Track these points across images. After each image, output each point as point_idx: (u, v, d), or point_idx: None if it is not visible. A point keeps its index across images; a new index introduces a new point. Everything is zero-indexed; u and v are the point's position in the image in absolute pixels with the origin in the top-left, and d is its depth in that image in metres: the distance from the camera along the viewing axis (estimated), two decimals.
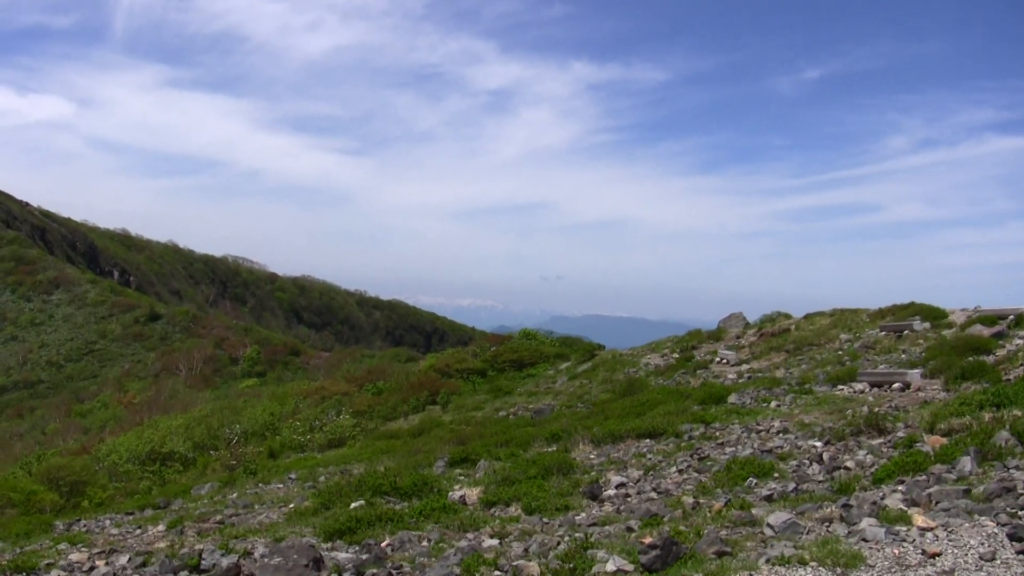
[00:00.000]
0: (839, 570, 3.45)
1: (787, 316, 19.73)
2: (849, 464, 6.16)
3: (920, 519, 3.92)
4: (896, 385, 10.07)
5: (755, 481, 6.19)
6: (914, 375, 10.15)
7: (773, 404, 10.07)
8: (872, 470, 5.79)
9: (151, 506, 10.41)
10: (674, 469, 7.36)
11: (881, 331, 14.55)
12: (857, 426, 7.10)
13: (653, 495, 6.42)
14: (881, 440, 6.75)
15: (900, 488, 4.90)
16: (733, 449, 7.64)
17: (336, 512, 6.78)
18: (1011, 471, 4.71)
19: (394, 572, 4.45)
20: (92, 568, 5.53)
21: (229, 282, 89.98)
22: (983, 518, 3.93)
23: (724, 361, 16.32)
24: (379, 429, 19.55)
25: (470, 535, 5.41)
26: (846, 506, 4.49)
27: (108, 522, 9.13)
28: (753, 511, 5.00)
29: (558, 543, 4.69)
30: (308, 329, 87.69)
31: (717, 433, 8.69)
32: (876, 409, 7.89)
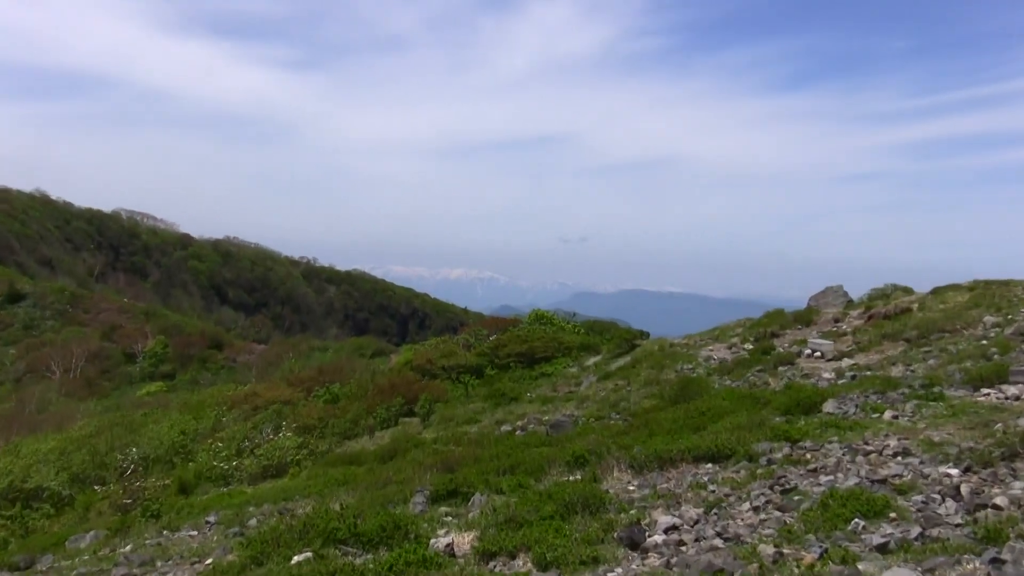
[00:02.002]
0: None
1: (906, 291, 19.64)
2: (999, 501, 6.01)
3: None
4: None
5: (862, 524, 6.06)
6: None
7: (887, 414, 10.02)
8: None
9: (6, 568, 10.30)
10: (747, 506, 7.29)
11: None
12: (1011, 447, 6.96)
13: (717, 542, 6.29)
14: None
15: None
16: (830, 478, 7.57)
17: (272, 570, 6.66)
18: None
19: None
20: None
21: (123, 247, 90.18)
22: None
23: (817, 354, 16.28)
24: (334, 451, 19.70)
25: None
26: (995, 561, 4.36)
27: None
28: (860, 566, 4.88)
29: None
30: (236, 312, 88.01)
31: (808, 455, 8.64)
32: None
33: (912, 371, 13.10)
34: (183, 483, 17.26)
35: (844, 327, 18.17)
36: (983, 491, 6.31)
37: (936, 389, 11.01)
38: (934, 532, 5.56)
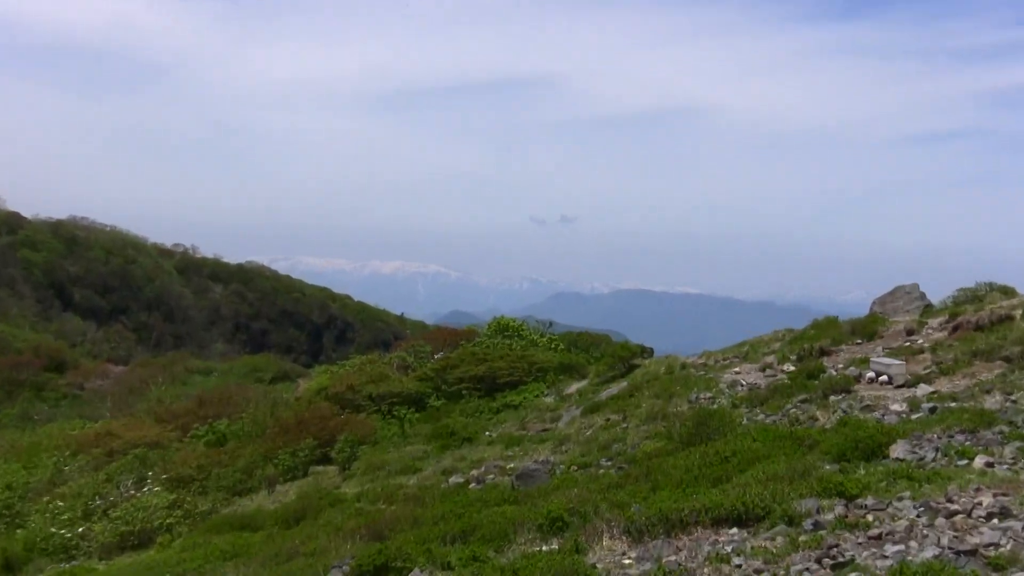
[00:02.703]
0: None
1: (1006, 292, 19.81)
2: None
3: None
4: None
5: None
6: None
7: (979, 461, 10.05)
8: None
9: None
10: None
11: None
12: None
13: None
14: None
15: None
16: (900, 548, 7.57)
17: None
18: None
19: None
20: None
21: None
22: None
23: (882, 378, 16.36)
24: (219, 512, 19.54)
25: None
26: None
27: None
28: None
29: None
30: (84, 320, 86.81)
31: (869, 516, 8.66)
32: None
33: (1014, 402, 13.19)
34: (8, 558, 16.98)
35: (920, 341, 18.30)
36: None
37: None
38: None
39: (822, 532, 8.31)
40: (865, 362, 17.48)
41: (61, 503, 20.52)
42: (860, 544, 7.78)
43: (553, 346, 39.43)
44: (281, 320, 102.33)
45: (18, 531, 19.50)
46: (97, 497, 20.84)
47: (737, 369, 20.99)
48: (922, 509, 8.35)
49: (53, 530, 18.63)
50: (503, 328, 41.47)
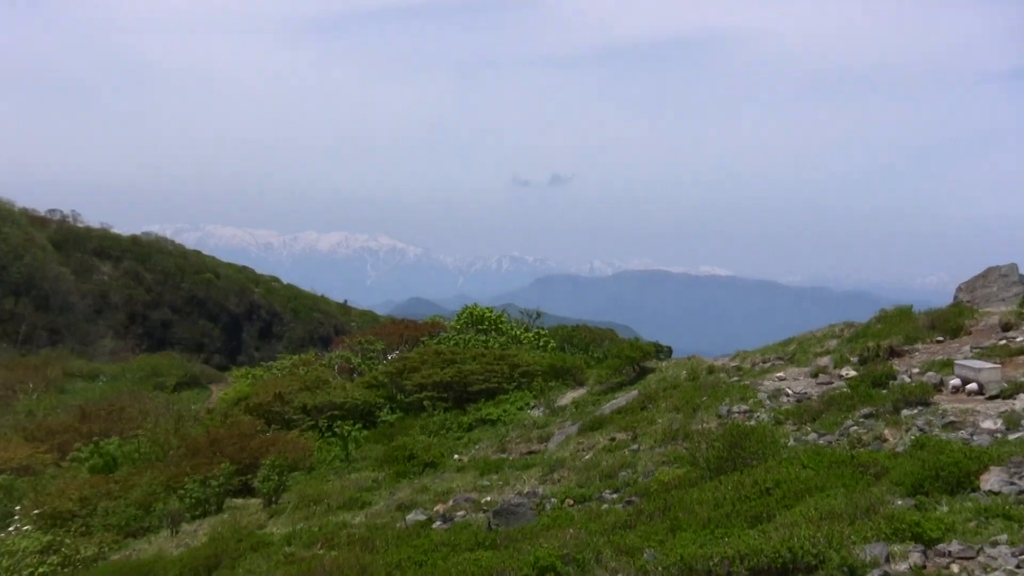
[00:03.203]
0: None
1: None
2: None
3: None
4: None
5: None
6: None
7: None
8: None
9: None
10: None
11: None
12: None
13: None
14: None
15: None
16: None
17: None
18: None
19: None
20: None
21: None
22: None
23: (971, 387, 16.34)
24: (109, 558, 19.46)
25: None
26: None
27: None
28: None
29: None
30: None
31: (954, 567, 8.69)
32: None
33: None
34: None
35: (1020, 339, 18.27)
36: None
37: None
38: None
39: None
40: (948, 366, 17.44)
41: None
42: None
43: (541, 343, 39.57)
44: (188, 309, 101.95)
45: None
46: None
47: (781, 374, 21.01)
48: None
49: None
50: (476, 320, 41.63)
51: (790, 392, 19.38)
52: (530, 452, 21.66)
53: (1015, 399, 15.29)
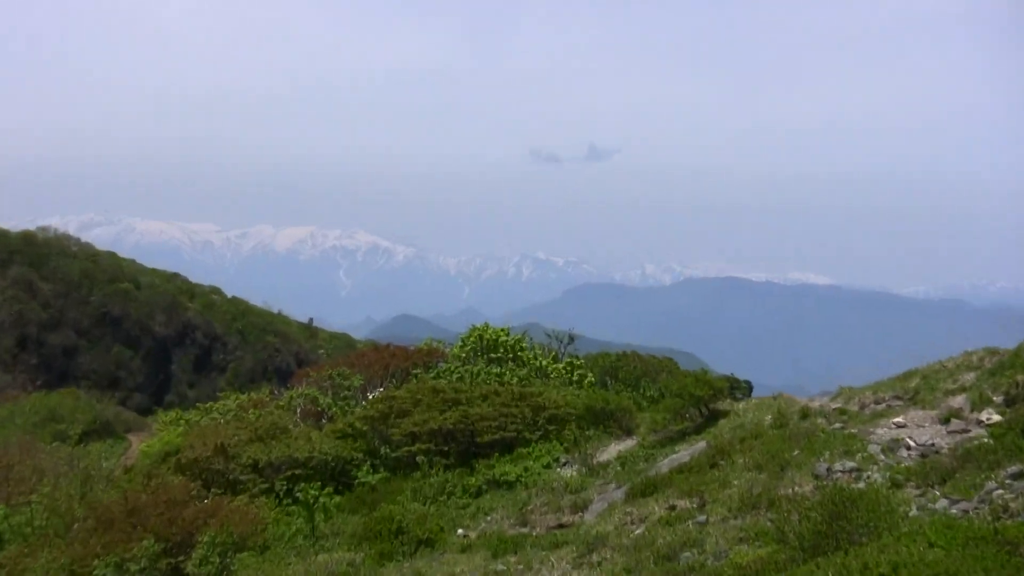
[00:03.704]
0: None
1: None
2: None
3: None
4: None
5: None
6: None
7: None
8: None
9: None
10: None
11: None
12: None
13: None
14: None
15: None
16: None
17: None
18: None
19: None
20: None
21: None
22: None
23: None
24: None
25: None
26: None
27: None
28: None
29: None
30: None
31: None
32: None
33: None
34: None
35: None
36: None
37: None
38: None
39: None
40: None
41: None
42: None
43: (575, 378, 39.46)
44: (99, 331, 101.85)
45: None
46: None
47: (899, 419, 20.92)
48: None
49: None
50: (488, 346, 41.50)
51: (912, 443, 19.31)
52: (560, 525, 21.55)
53: None
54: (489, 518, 24.07)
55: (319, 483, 29.09)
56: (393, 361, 44.34)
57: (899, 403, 22.72)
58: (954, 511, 15.30)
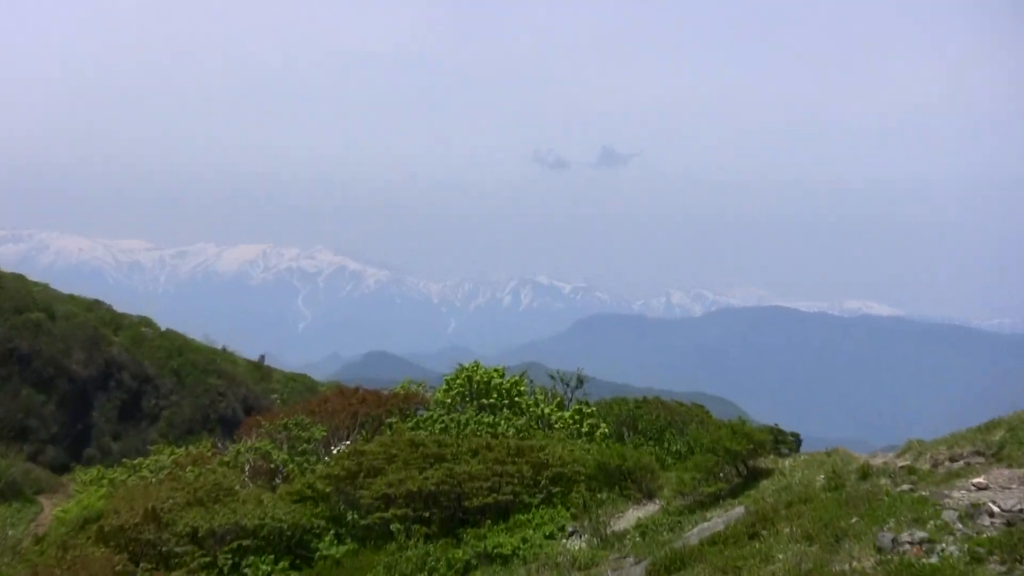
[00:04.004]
0: None
1: None
2: None
3: None
4: None
5: None
6: None
7: None
8: None
9: None
10: None
11: None
12: None
13: None
14: None
15: None
16: None
17: None
18: None
19: None
20: None
21: None
22: None
23: None
24: None
25: None
26: None
27: None
28: None
29: None
30: None
31: None
32: None
33: None
34: None
35: None
36: None
37: None
38: None
39: None
40: None
41: None
42: None
43: (586, 428, 39.37)
44: (3, 371, 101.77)
45: None
46: None
47: (980, 480, 20.83)
48: None
49: None
50: (478, 389, 41.41)
51: (996, 509, 19.24)
52: None
53: None
54: None
55: (272, 556, 28.96)
56: (363, 408, 44.15)
57: (980, 460, 22.63)
58: None
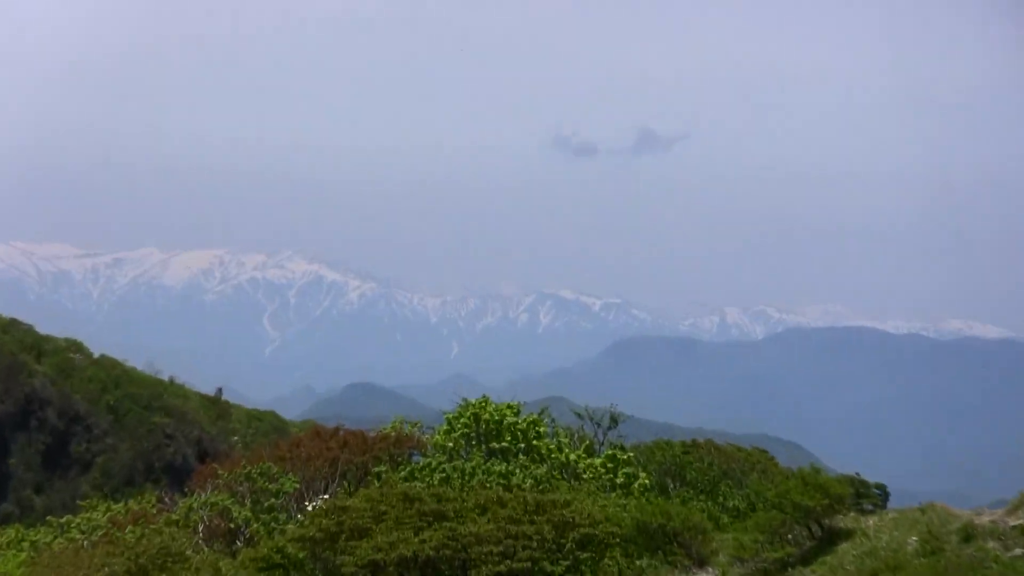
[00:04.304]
0: None
1: None
2: None
3: None
4: None
5: None
6: None
7: None
8: None
9: None
10: None
11: None
12: None
13: None
14: None
15: None
16: None
17: None
18: None
19: None
20: None
21: None
22: None
23: None
24: None
25: None
26: None
27: None
28: None
29: None
30: None
31: None
32: None
33: None
34: None
35: None
36: None
37: None
38: None
39: None
40: None
41: None
42: None
43: (621, 479, 39.19)
44: None
45: None
46: None
47: None
48: None
49: None
50: (488, 430, 41.17)
51: None
52: None
53: None
54: None
55: None
56: (344, 453, 43.74)
57: None
58: None
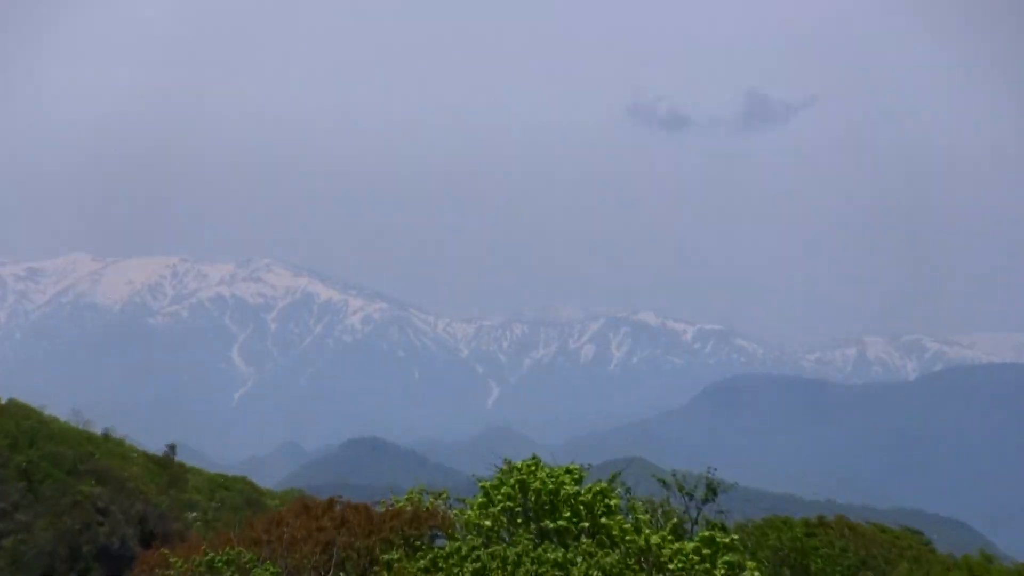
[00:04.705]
0: None
1: None
2: None
3: None
4: None
5: None
6: None
7: None
8: None
9: None
10: None
11: None
12: None
13: None
14: None
15: None
16: None
17: None
18: None
19: None
20: None
21: None
22: None
23: None
24: None
25: None
26: None
27: None
28: None
29: None
30: None
31: None
32: None
33: None
34: None
35: None
36: None
37: None
38: None
39: None
40: None
41: None
42: None
43: (722, 569, 39.29)
44: None
45: None
46: None
47: None
48: None
49: None
50: (539, 502, 41.12)
51: None
52: None
53: None
54: None
55: None
56: (343, 535, 43.53)
57: None
58: None
